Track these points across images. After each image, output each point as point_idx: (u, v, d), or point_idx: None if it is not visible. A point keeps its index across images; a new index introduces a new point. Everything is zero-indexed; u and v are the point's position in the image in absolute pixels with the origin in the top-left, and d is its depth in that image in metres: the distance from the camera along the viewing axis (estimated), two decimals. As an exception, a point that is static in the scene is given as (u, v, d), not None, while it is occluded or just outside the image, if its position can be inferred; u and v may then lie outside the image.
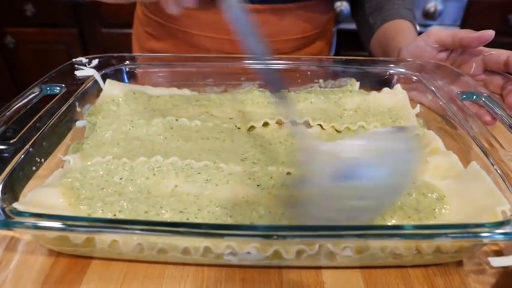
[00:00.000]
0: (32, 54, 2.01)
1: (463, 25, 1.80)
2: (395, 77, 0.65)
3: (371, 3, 0.85)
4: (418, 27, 1.77)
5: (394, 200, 0.39)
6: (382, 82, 0.66)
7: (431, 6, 1.74)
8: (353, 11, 0.94)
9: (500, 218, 0.36)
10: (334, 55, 1.07)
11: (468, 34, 0.60)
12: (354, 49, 1.04)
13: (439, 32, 0.65)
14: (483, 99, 0.55)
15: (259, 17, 0.79)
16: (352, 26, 0.96)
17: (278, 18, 0.80)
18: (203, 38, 0.81)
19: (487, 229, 0.34)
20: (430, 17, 1.75)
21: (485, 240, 0.37)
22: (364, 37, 0.88)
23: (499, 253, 0.44)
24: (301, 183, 0.38)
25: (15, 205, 0.38)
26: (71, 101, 0.54)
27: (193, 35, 0.82)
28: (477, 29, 1.78)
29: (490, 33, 0.57)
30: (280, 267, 0.41)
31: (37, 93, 0.54)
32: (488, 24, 1.77)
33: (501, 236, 0.34)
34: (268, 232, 0.33)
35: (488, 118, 0.54)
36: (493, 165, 0.43)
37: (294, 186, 0.40)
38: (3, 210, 0.36)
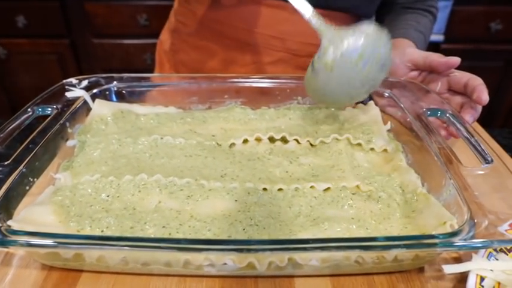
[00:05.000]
0: (23, 65, 2.03)
1: (447, 33, 1.85)
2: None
3: (389, 22, 0.89)
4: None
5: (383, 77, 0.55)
6: (357, 98, 0.70)
7: (415, 15, 1.78)
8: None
9: (449, 230, 0.40)
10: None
11: (438, 58, 0.64)
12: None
13: (413, 53, 0.70)
14: (447, 115, 0.59)
15: (281, 13, 0.82)
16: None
17: (299, 19, 0.83)
18: (227, 27, 0.85)
19: (438, 240, 0.38)
20: (414, 25, 1.79)
21: (438, 250, 0.41)
22: None
23: (458, 260, 0.48)
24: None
25: (10, 223, 0.41)
26: (61, 121, 0.57)
27: (218, 22, 0.85)
28: (461, 37, 1.81)
29: (456, 60, 0.62)
30: (256, 277, 0.45)
31: (29, 114, 0.58)
32: (471, 32, 1.84)
33: (453, 246, 0.38)
34: (240, 246, 0.37)
35: (444, 133, 0.59)
36: (450, 179, 0.47)
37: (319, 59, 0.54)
38: (-1, 229, 0.39)
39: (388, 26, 0.88)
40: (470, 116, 0.59)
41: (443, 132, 0.59)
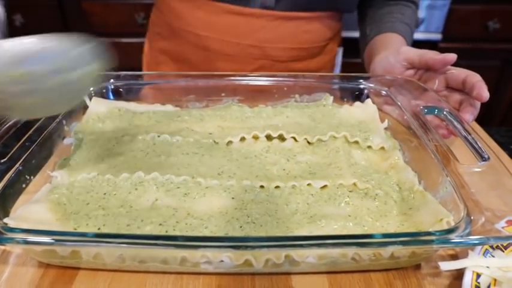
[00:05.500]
0: (21, 64, 2.03)
1: (445, 32, 1.85)
2: (366, 92, 0.69)
3: (373, 15, 0.88)
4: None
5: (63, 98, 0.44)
6: (354, 96, 0.70)
7: (413, 14, 1.78)
8: (359, 20, 0.96)
9: (446, 227, 0.40)
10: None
11: (434, 56, 0.64)
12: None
13: (408, 52, 0.69)
14: (445, 113, 0.59)
15: (257, 21, 0.82)
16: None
17: (277, 25, 0.83)
18: (203, 38, 0.85)
19: (435, 236, 0.38)
20: (412, 24, 1.79)
21: (435, 247, 0.41)
22: (361, 47, 0.91)
23: (454, 257, 0.48)
24: None
25: (6, 220, 0.41)
26: (58, 119, 0.57)
27: (195, 34, 0.85)
28: (459, 36, 1.81)
29: (452, 57, 0.62)
30: (253, 274, 0.45)
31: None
32: (469, 31, 1.84)
33: (449, 243, 0.39)
34: (237, 243, 0.37)
35: (444, 132, 0.59)
36: (446, 177, 0.47)
37: None
38: (-5, 227, 0.39)
39: (373, 20, 0.87)
40: (470, 115, 0.59)
41: (443, 131, 0.59)
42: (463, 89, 0.61)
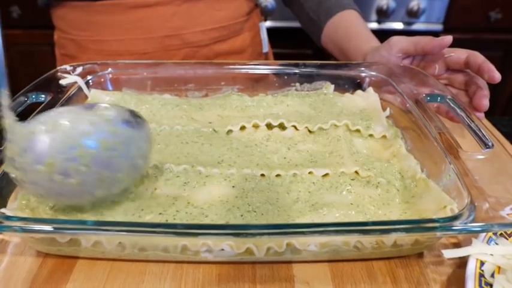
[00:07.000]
0: (18, 56, 2.01)
1: (446, 23, 1.84)
2: (368, 80, 0.68)
3: None
4: (402, 26, 1.77)
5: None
6: (356, 85, 0.69)
7: (414, 4, 1.77)
8: (288, 2, 0.92)
9: (449, 214, 0.40)
10: (274, 53, 1.07)
11: (430, 42, 0.63)
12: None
13: (400, 42, 0.68)
14: (447, 100, 0.58)
15: (165, 9, 0.77)
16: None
17: (188, 8, 0.79)
18: (114, 43, 0.81)
19: (438, 223, 0.38)
20: (413, 15, 1.78)
21: (438, 234, 0.41)
22: (312, 34, 0.87)
23: (457, 245, 0.47)
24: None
25: (3, 210, 0.41)
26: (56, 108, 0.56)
27: (103, 41, 0.81)
28: (460, 26, 1.79)
29: (448, 39, 0.61)
30: (253, 263, 0.45)
31: (23, 101, 0.57)
32: (470, 21, 1.82)
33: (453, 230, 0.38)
34: (238, 231, 0.37)
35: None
36: (450, 164, 0.46)
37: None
38: (-8, 216, 0.38)
39: (312, 3, 0.82)
40: (485, 99, 0.58)
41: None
42: (466, 68, 0.61)
